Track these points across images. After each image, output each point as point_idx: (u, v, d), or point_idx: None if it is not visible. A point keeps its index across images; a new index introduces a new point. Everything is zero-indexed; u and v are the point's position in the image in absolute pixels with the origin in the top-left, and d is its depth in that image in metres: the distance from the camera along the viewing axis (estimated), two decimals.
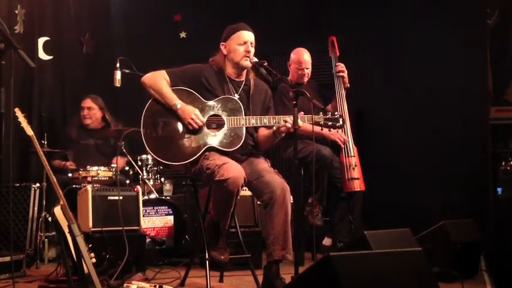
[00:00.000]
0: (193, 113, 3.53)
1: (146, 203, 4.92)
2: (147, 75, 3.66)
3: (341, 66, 4.94)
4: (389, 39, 5.85)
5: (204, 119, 3.55)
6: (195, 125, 3.52)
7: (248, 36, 3.64)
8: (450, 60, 5.50)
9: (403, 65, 5.76)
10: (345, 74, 4.92)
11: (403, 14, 5.80)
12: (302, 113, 3.46)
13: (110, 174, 4.77)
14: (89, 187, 4.21)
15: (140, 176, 5.24)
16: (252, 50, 3.64)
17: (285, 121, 3.45)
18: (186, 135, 3.56)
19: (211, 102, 3.60)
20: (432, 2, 5.69)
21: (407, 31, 5.74)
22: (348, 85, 4.95)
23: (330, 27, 6.13)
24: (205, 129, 3.55)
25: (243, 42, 3.62)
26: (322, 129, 3.64)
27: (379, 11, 5.91)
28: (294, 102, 3.32)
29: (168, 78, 3.61)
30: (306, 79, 4.97)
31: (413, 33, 5.72)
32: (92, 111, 5.37)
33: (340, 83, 4.92)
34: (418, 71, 5.69)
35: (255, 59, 3.60)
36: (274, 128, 3.54)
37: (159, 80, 3.60)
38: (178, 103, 3.54)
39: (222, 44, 3.69)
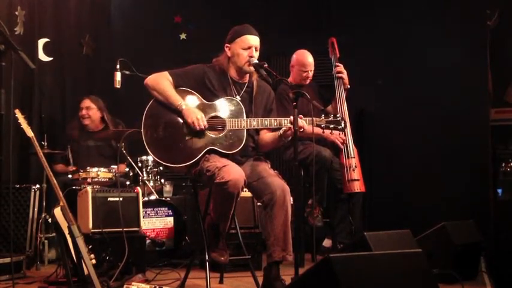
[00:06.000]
0: (197, 115, 3.51)
1: (146, 204, 4.91)
2: (150, 77, 3.65)
3: (340, 68, 4.94)
4: (389, 39, 5.85)
5: (205, 121, 3.54)
6: (197, 126, 3.50)
7: (253, 40, 3.60)
8: (450, 61, 5.50)
9: (403, 66, 5.76)
10: (345, 75, 4.92)
11: (403, 15, 5.80)
12: (302, 116, 3.45)
13: (110, 175, 4.75)
14: (89, 188, 4.21)
15: (140, 177, 5.23)
16: (257, 54, 3.60)
17: (291, 122, 3.43)
18: (187, 137, 3.54)
19: (212, 103, 3.59)
20: (432, 3, 5.70)
21: (408, 32, 5.75)
22: (348, 86, 4.95)
23: (330, 27, 6.13)
24: (206, 131, 3.54)
25: (247, 47, 3.58)
26: (323, 132, 3.61)
27: (379, 12, 5.92)
28: (294, 103, 3.31)
29: (170, 79, 3.60)
30: (308, 81, 4.97)
31: (414, 34, 5.72)
32: (91, 111, 5.32)
33: (340, 84, 4.92)
34: (418, 71, 5.70)
35: (255, 61, 3.58)
36: (280, 132, 3.53)
37: (162, 81, 3.59)
38: (183, 104, 3.54)
39: (227, 46, 3.66)
